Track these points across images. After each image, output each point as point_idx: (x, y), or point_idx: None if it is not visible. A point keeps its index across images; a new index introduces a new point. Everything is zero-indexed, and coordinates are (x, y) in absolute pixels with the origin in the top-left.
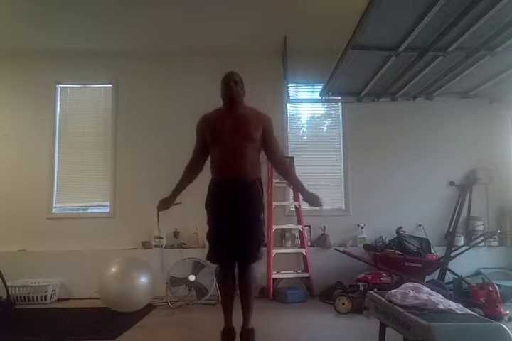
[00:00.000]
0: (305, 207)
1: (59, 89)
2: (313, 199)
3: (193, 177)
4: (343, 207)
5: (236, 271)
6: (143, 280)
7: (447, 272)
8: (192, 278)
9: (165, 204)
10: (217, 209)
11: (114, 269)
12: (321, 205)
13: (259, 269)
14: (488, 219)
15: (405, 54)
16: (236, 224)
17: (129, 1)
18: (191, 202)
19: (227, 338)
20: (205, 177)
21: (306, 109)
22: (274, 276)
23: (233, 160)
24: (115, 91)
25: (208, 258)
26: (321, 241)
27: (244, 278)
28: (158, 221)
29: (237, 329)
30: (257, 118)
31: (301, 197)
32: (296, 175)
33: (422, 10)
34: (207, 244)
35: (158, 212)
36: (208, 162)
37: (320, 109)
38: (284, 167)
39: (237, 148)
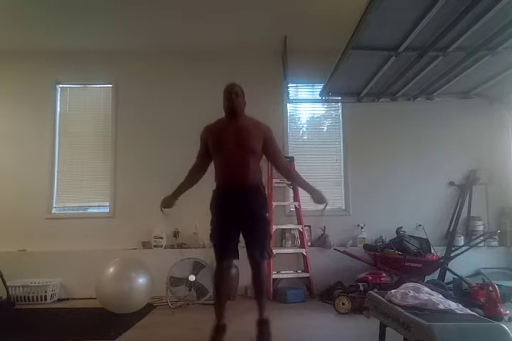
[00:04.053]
0: (305, 207)
1: (59, 89)
2: (322, 198)
3: (195, 180)
4: (343, 207)
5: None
6: (141, 280)
7: (447, 272)
8: (192, 278)
9: (167, 202)
10: (221, 210)
11: (111, 270)
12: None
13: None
14: (488, 219)
15: (405, 54)
16: (242, 224)
17: (129, 1)
18: (191, 202)
19: (218, 334)
20: (207, 178)
21: (306, 109)
22: (274, 276)
23: (235, 170)
24: (115, 91)
25: (215, 256)
26: (321, 241)
27: (257, 276)
28: (163, 212)
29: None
30: (257, 130)
31: (309, 196)
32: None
33: (422, 10)
34: (209, 243)
35: (161, 208)
36: (211, 167)
37: (320, 109)
38: (290, 174)
39: (239, 159)
